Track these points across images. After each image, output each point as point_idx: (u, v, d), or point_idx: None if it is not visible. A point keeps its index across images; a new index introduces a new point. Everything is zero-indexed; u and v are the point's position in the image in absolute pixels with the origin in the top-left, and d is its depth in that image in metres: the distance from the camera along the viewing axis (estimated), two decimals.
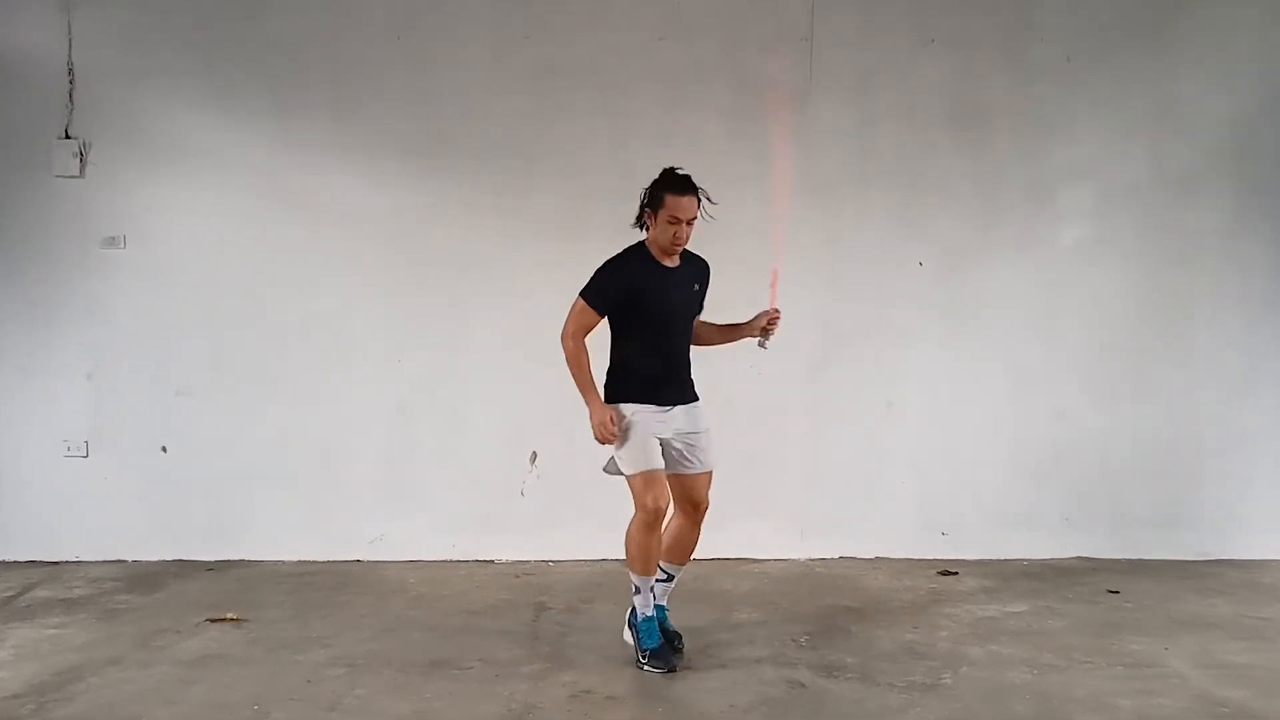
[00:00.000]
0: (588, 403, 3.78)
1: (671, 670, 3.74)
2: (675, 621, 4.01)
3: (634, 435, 3.76)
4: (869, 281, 5.35)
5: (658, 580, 3.91)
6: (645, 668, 3.77)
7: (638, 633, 3.85)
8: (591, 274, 3.84)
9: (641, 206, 3.83)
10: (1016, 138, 5.38)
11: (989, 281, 5.40)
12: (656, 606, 3.90)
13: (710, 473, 3.93)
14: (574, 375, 3.79)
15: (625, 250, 3.87)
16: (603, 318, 3.83)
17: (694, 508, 3.91)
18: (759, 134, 5.26)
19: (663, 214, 3.73)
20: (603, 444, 3.80)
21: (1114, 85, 5.38)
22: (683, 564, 3.99)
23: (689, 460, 3.87)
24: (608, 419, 3.72)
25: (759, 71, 5.29)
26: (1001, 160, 5.38)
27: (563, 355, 3.80)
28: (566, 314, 3.83)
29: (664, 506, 3.72)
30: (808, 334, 5.26)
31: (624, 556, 3.88)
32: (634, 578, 3.85)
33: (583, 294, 3.81)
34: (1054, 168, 5.40)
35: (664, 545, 3.87)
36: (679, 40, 5.29)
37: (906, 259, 5.37)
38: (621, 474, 3.81)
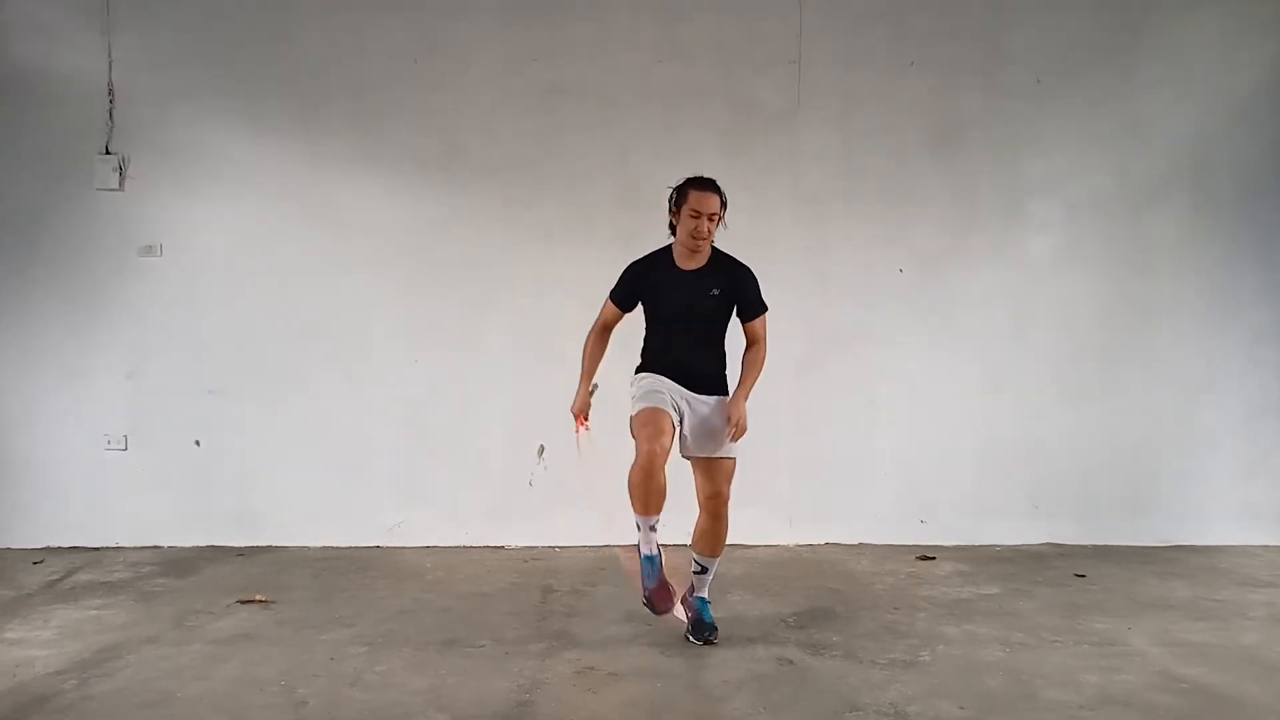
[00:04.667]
0: (578, 385, 3.88)
1: (660, 614, 3.70)
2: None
3: (644, 381, 3.71)
4: (854, 286, 5.35)
5: (695, 573, 3.84)
6: (644, 603, 3.71)
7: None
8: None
9: (670, 207, 3.73)
10: (990, 153, 5.38)
11: (965, 287, 5.40)
12: (699, 598, 3.85)
13: (720, 464, 3.71)
14: (582, 360, 3.88)
15: (652, 251, 3.82)
16: (622, 311, 3.82)
17: (707, 498, 3.73)
18: (752, 151, 5.29)
19: (685, 209, 3.64)
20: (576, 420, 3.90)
21: (1080, 105, 5.37)
22: (709, 555, 3.80)
23: (691, 437, 3.71)
24: (577, 407, 3.85)
25: (751, 93, 5.30)
26: (976, 174, 5.38)
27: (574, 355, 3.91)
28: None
29: (657, 450, 3.49)
30: (797, 336, 5.27)
31: (627, 540, 3.78)
32: (634, 516, 3.62)
33: (611, 290, 3.83)
34: (1025, 181, 5.39)
35: (692, 538, 3.81)
36: (677, 63, 5.29)
37: (888, 266, 5.37)
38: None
